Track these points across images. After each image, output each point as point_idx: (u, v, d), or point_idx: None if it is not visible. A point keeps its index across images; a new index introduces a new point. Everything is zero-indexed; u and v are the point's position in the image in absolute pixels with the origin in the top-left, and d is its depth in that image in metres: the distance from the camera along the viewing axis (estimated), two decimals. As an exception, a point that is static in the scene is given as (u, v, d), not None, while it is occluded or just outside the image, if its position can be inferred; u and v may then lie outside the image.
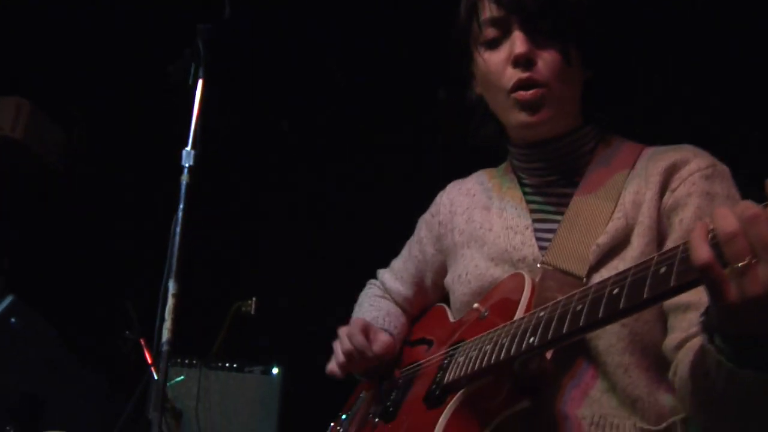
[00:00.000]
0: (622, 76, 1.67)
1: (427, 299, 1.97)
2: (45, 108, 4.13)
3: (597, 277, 1.45)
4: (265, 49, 4.06)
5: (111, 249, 4.18)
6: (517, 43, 1.55)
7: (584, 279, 1.47)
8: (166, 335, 1.98)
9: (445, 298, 1.89)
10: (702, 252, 1.00)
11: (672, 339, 1.42)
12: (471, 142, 1.82)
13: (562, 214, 1.61)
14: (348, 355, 1.74)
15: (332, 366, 1.81)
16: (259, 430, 3.71)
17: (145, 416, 2.73)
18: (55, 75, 4.11)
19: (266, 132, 4.38)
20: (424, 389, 1.56)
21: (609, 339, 1.45)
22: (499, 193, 1.77)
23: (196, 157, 2.16)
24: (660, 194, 1.51)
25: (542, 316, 1.32)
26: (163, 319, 2.00)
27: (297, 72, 4.22)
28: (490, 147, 1.82)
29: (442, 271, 1.87)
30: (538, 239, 1.61)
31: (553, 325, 1.27)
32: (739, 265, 0.99)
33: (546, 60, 1.55)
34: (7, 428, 2.06)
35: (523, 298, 1.48)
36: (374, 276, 2.18)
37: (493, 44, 1.61)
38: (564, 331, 1.24)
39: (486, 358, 1.39)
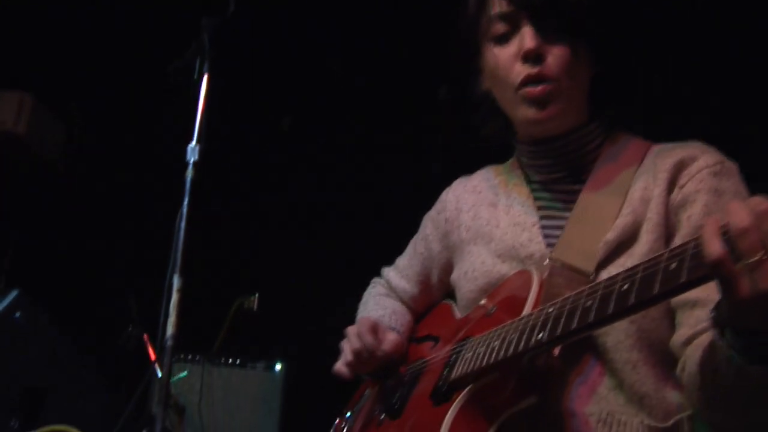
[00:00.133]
0: (630, 72, 1.67)
1: (432, 297, 1.97)
2: (47, 103, 4.12)
3: (605, 274, 1.45)
4: (268, 44, 4.05)
5: (113, 245, 4.18)
6: (527, 38, 1.55)
7: (592, 275, 1.47)
8: (170, 330, 1.97)
9: (451, 295, 1.89)
10: (714, 247, 1.00)
11: (680, 335, 1.42)
12: (477, 138, 1.81)
13: (569, 210, 1.60)
14: (357, 354, 1.73)
15: (340, 366, 1.79)
16: (261, 426, 3.71)
17: (148, 411, 2.74)
18: (57, 70, 4.11)
19: (269, 128, 4.38)
20: (431, 385, 1.56)
21: (617, 336, 1.44)
22: (506, 190, 1.76)
23: (201, 153, 2.15)
24: (668, 191, 1.51)
25: (551, 312, 1.31)
26: (167, 314, 1.99)
27: (300, 67, 4.22)
28: (492, 145, 1.82)
29: (448, 268, 1.86)
30: (545, 236, 1.61)
31: (562, 321, 1.27)
32: (752, 260, 0.99)
33: (555, 55, 1.54)
34: (12, 422, 2.06)
35: (531, 295, 1.48)
36: (378, 273, 2.18)
37: (503, 39, 1.60)
38: (573, 327, 1.24)
39: (494, 354, 1.39)
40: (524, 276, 1.55)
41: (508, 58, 1.58)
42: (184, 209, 2.08)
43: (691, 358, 1.36)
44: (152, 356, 3.38)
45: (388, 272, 2.08)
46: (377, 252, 2.26)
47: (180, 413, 3.46)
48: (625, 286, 1.16)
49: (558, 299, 1.33)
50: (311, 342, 3.83)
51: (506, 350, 1.37)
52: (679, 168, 1.52)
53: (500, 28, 1.60)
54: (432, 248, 1.92)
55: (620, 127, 1.69)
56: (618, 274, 1.21)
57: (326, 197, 4.38)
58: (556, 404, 1.44)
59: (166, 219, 2.18)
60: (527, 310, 1.45)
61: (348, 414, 1.93)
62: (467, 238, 1.77)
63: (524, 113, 1.59)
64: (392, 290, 2.04)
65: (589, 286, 1.27)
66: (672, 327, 1.46)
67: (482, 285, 1.66)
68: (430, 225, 1.95)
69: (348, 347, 1.76)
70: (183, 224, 2.06)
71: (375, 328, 1.75)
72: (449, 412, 1.41)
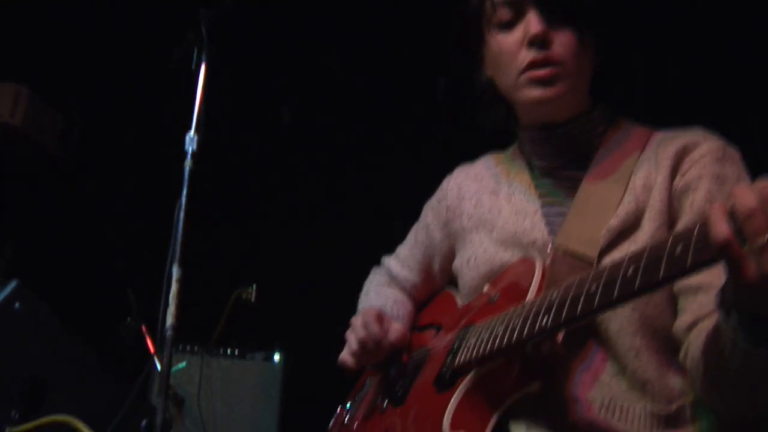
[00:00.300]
0: (633, 59, 1.67)
1: (434, 285, 1.97)
2: (43, 94, 4.10)
3: (608, 260, 1.45)
4: (267, 33, 4.04)
5: (111, 236, 4.17)
6: (533, 23, 1.55)
7: (595, 262, 1.47)
8: (170, 320, 1.97)
9: (453, 283, 1.89)
10: (721, 229, 1.00)
11: (683, 321, 1.42)
12: (477, 127, 1.81)
13: (571, 198, 1.60)
14: (362, 344, 1.72)
15: (345, 356, 1.79)
16: (261, 416, 3.71)
17: (148, 402, 2.74)
18: (53, 61, 4.09)
19: (269, 118, 4.37)
20: (434, 372, 1.56)
21: (620, 322, 1.44)
22: (508, 178, 1.76)
23: (200, 143, 2.15)
24: (671, 177, 1.51)
25: (555, 298, 1.31)
26: (167, 305, 1.99)
27: (299, 57, 4.21)
28: (491, 134, 1.82)
29: (450, 256, 1.86)
30: (547, 223, 1.61)
31: (566, 306, 1.27)
32: (759, 242, 0.99)
33: (561, 41, 1.54)
34: (12, 413, 2.05)
35: (534, 282, 1.48)
36: (377, 262, 2.18)
37: (507, 26, 1.60)
38: (578, 312, 1.24)
39: (498, 340, 1.39)
40: (527, 263, 1.55)
41: (513, 44, 1.58)
42: (183, 199, 2.07)
43: (694, 343, 1.36)
44: (151, 347, 3.39)
45: (389, 261, 2.08)
46: (376, 241, 2.26)
47: (179, 404, 3.46)
48: (630, 271, 1.16)
49: (562, 285, 1.33)
50: (310, 332, 3.83)
51: (510, 336, 1.37)
52: (681, 154, 1.52)
53: (504, 14, 1.60)
54: (433, 236, 1.91)
55: (622, 114, 1.69)
56: (622, 259, 1.20)
57: (325, 188, 4.38)
58: (559, 390, 1.44)
59: (164, 209, 2.18)
60: (530, 296, 1.46)
61: (349, 403, 1.93)
62: (469, 226, 1.77)
63: (529, 94, 1.58)
64: (393, 279, 2.04)
65: (594, 271, 1.27)
66: (674, 313, 1.46)
67: (484, 273, 1.66)
68: (431, 213, 1.95)
69: (353, 337, 1.75)
70: (182, 214, 2.06)
71: (380, 318, 1.75)
72: (453, 398, 1.41)
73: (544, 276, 1.49)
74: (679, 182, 1.50)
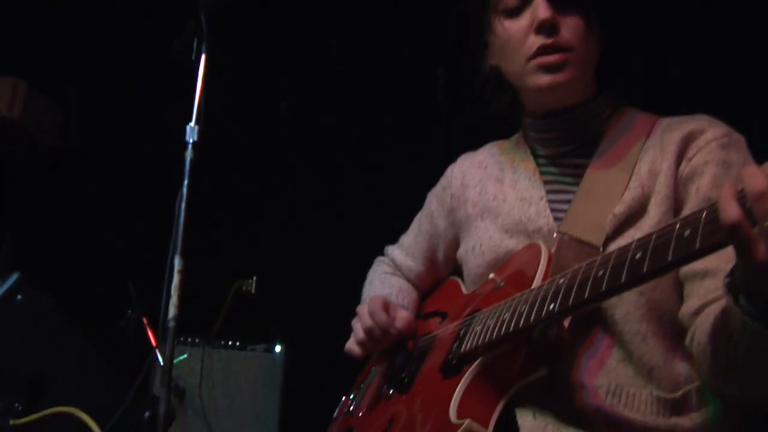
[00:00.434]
0: (639, 44, 1.66)
1: (438, 274, 1.97)
2: (41, 87, 4.08)
3: (614, 247, 1.44)
4: (267, 25, 4.03)
5: (111, 229, 4.16)
6: (541, 8, 1.54)
7: (601, 248, 1.47)
8: (172, 312, 1.97)
9: (457, 271, 1.89)
10: (731, 211, 1.00)
11: (689, 306, 1.42)
12: (480, 115, 1.81)
13: (577, 184, 1.61)
14: (369, 332, 1.72)
15: (351, 345, 1.79)
16: (262, 408, 3.71)
17: (150, 394, 2.73)
18: (50, 54, 4.07)
19: (270, 110, 4.36)
20: (440, 359, 1.56)
21: (626, 307, 1.45)
22: (512, 165, 1.76)
23: (200, 133, 2.14)
24: (676, 163, 1.51)
25: (562, 283, 1.32)
26: (169, 296, 1.98)
27: (299, 48, 4.19)
28: (491, 125, 1.82)
29: (455, 244, 1.86)
30: (552, 210, 1.61)
31: (573, 291, 1.27)
32: None
33: (569, 26, 1.54)
34: (16, 405, 2.05)
35: (539, 268, 1.48)
36: (378, 254, 2.18)
37: (514, 12, 1.60)
38: (585, 296, 1.24)
39: (505, 326, 1.39)
40: (533, 250, 1.55)
41: (520, 31, 1.58)
42: (184, 190, 2.07)
43: (701, 328, 1.36)
44: (152, 340, 3.39)
45: (393, 250, 2.08)
46: (377, 233, 2.26)
47: (180, 396, 3.47)
48: (638, 255, 1.16)
49: (569, 270, 1.33)
50: (311, 323, 3.83)
51: (517, 322, 1.37)
52: (687, 141, 1.52)
53: (511, 0, 1.59)
54: (438, 225, 1.91)
55: (627, 101, 1.69)
56: (630, 244, 1.21)
57: (326, 180, 4.37)
58: (565, 377, 1.44)
59: (163, 201, 2.17)
60: (537, 283, 1.46)
61: (354, 393, 1.93)
62: (474, 214, 1.77)
63: (538, 80, 1.58)
64: (397, 268, 2.04)
65: (601, 256, 1.27)
66: (680, 298, 1.46)
67: (490, 260, 1.66)
68: (435, 201, 1.95)
69: (359, 326, 1.75)
70: (183, 205, 2.05)
71: (386, 306, 1.75)
72: (459, 384, 1.42)
73: (550, 262, 1.49)
74: (684, 168, 1.50)
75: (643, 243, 1.17)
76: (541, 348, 1.41)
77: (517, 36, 1.59)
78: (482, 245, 1.69)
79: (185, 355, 3.65)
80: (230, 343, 3.80)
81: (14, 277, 2.19)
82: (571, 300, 1.27)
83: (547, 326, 1.39)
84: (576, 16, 1.55)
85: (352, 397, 1.93)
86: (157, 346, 3.14)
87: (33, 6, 3.94)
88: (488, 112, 1.79)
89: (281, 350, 3.83)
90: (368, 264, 2.18)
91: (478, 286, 1.70)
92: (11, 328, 2.15)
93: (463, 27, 1.75)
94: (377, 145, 4.18)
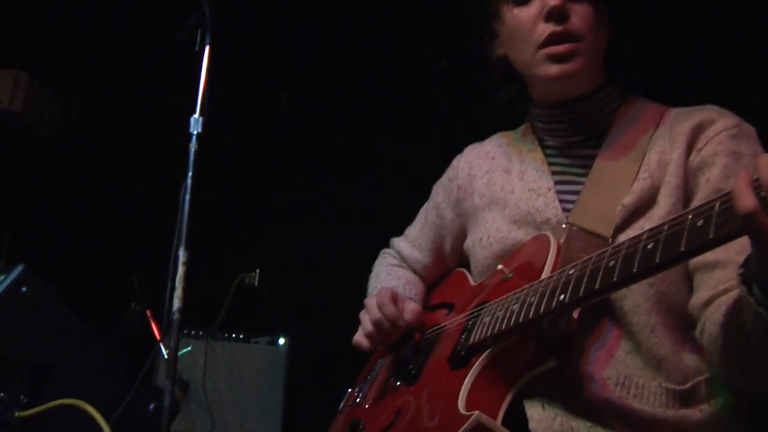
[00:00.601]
0: (648, 33, 1.66)
1: (445, 265, 1.96)
2: (42, 79, 4.07)
3: (623, 238, 1.44)
4: (268, 17, 4.02)
5: (114, 221, 4.15)
6: None
7: (610, 239, 1.47)
8: (177, 303, 1.96)
9: (463, 263, 1.89)
10: (747, 200, 1.00)
11: (699, 297, 1.42)
12: (486, 106, 1.80)
13: (585, 175, 1.60)
14: (378, 325, 1.71)
15: (359, 337, 1.78)
16: (266, 401, 3.70)
17: (154, 386, 2.73)
18: (52, 46, 4.06)
19: (273, 101, 4.34)
20: (448, 351, 1.56)
21: (635, 299, 1.44)
22: (520, 156, 1.75)
23: (204, 125, 2.14)
24: (686, 154, 1.50)
25: (572, 274, 1.31)
26: (173, 288, 1.98)
27: (303, 39, 4.18)
28: (497, 115, 1.81)
29: (462, 235, 1.85)
30: (561, 201, 1.60)
31: (584, 281, 1.27)
32: None
33: (579, 13, 1.54)
34: (21, 396, 2.05)
35: (548, 259, 1.48)
36: (381, 246, 2.17)
37: (523, 0, 1.59)
38: (596, 287, 1.24)
39: (514, 318, 1.39)
40: (541, 241, 1.55)
41: (530, 18, 1.57)
42: (188, 181, 2.06)
43: (711, 319, 1.36)
44: (156, 332, 3.38)
45: (399, 243, 2.07)
46: (381, 225, 2.25)
47: (184, 388, 3.46)
48: (650, 245, 1.16)
49: (579, 261, 1.32)
50: (315, 316, 3.83)
51: (526, 313, 1.37)
52: (696, 131, 1.52)
53: None
54: (444, 216, 1.91)
55: (635, 91, 1.69)
56: (641, 234, 1.20)
57: (330, 173, 4.36)
58: (574, 369, 1.44)
59: (166, 194, 2.16)
60: (545, 274, 1.45)
61: (360, 385, 1.92)
62: (481, 205, 1.76)
63: (547, 70, 1.57)
64: (403, 261, 2.03)
65: (611, 247, 1.27)
66: (690, 290, 1.46)
67: (497, 251, 1.65)
68: (441, 193, 1.94)
69: (367, 318, 1.74)
70: (188, 197, 2.05)
71: (395, 298, 1.73)
72: (468, 376, 1.41)
73: (559, 253, 1.49)
74: (694, 159, 1.50)
75: (654, 233, 1.17)
76: (551, 339, 1.41)
77: (526, 24, 1.58)
78: (490, 236, 1.68)
79: (189, 348, 3.65)
80: (234, 335, 3.79)
81: (19, 269, 2.19)
82: (581, 291, 1.27)
83: (557, 317, 1.38)
84: (586, 3, 1.54)
85: (357, 389, 1.93)
86: (161, 339, 3.14)
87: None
88: (495, 103, 1.78)
89: (285, 343, 3.82)
90: (372, 256, 2.18)
91: (485, 277, 1.69)
92: (16, 320, 2.15)
93: (471, 16, 1.74)
94: (381, 138, 4.17)
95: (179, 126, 2.12)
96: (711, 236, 1.06)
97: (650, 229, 1.19)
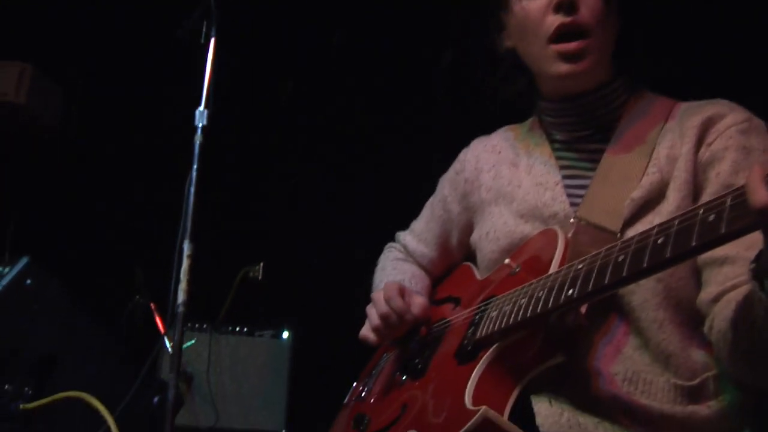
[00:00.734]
0: (657, 25, 1.64)
1: (451, 259, 1.95)
2: (47, 71, 4.07)
3: (631, 232, 1.43)
4: (274, 10, 4.01)
5: (119, 214, 4.15)
6: None
7: (618, 234, 1.45)
8: (181, 296, 1.96)
9: (469, 257, 1.88)
10: (761, 195, 0.99)
11: (708, 293, 1.41)
12: (497, 97, 1.78)
13: (593, 169, 1.59)
14: (385, 319, 1.70)
15: (366, 331, 1.77)
16: (269, 394, 3.71)
17: (158, 379, 2.73)
18: (56, 38, 4.05)
19: (277, 94, 4.34)
20: (455, 345, 1.55)
21: (643, 294, 1.43)
22: (527, 150, 1.74)
23: (209, 117, 2.13)
24: (696, 148, 1.49)
25: (580, 269, 1.30)
26: (178, 281, 1.97)
27: (307, 31, 4.17)
28: (502, 109, 1.80)
29: (468, 229, 1.84)
30: (569, 195, 1.59)
31: (593, 276, 1.26)
32: None
33: (588, 4, 1.52)
34: (26, 389, 2.04)
35: (556, 254, 1.47)
36: (385, 240, 2.16)
37: None
38: (606, 282, 1.23)
39: (522, 312, 1.38)
40: (549, 235, 1.54)
41: (539, 10, 1.56)
42: (193, 174, 2.05)
43: (720, 315, 1.35)
44: (160, 325, 3.38)
45: (404, 237, 2.06)
46: (384, 219, 2.25)
47: (188, 381, 3.47)
48: (661, 240, 1.15)
49: (587, 256, 1.31)
50: (319, 310, 3.82)
51: (534, 308, 1.36)
52: (706, 125, 1.50)
53: None
54: (451, 210, 1.89)
55: (644, 85, 1.67)
56: (651, 229, 1.19)
57: (334, 166, 4.36)
58: (581, 363, 1.43)
59: (170, 187, 2.16)
60: (553, 268, 1.44)
61: (366, 379, 1.92)
62: (488, 199, 1.75)
63: (557, 68, 1.56)
64: (409, 254, 2.02)
65: (621, 241, 1.26)
66: (698, 286, 1.45)
67: (504, 245, 1.64)
68: (447, 186, 1.93)
69: (374, 312, 1.72)
70: (192, 190, 2.04)
71: (402, 292, 1.72)
72: (475, 370, 1.40)
73: (567, 248, 1.48)
74: (704, 153, 1.48)
75: (665, 228, 1.16)
76: (558, 334, 1.40)
77: (535, 15, 1.56)
78: (496, 231, 1.67)
79: (193, 341, 3.65)
80: (238, 329, 3.80)
81: (23, 261, 2.18)
82: (590, 285, 1.26)
83: (565, 312, 1.37)
84: None
85: (362, 383, 1.92)
86: (166, 332, 3.14)
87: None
88: (502, 96, 1.77)
89: (289, 336, 3.83)
90: (377, 250, 2.17)
91: (492, 271, 1.68)
92: (21, 312, 2.14)
93: (478, 8, 1.73)
94: (386, 131, 4.16)
95: (184, 118, 2.12)
96: (723, 231, 1.05)
97: (660, 224, 1.18)
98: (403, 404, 1.60)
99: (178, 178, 2.04)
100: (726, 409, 1.42)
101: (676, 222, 1.14)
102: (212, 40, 2.17)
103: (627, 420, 1.39)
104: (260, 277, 3.88)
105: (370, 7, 4.01)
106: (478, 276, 1.77)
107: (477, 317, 1.55)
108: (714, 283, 1.40)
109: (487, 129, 1.94)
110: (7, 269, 2.19)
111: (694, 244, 1.09)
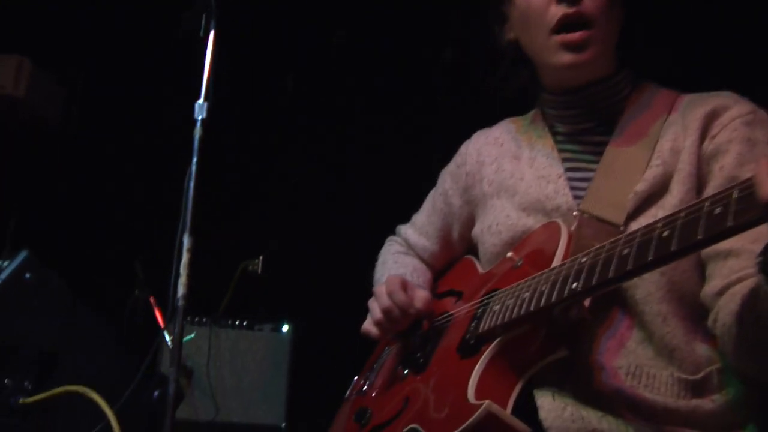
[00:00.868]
0: (661, 18, 1.63)
1: (452, 253, 1.94)
2: (46, 65, 4.06)
3: (634, 225, 1.42)
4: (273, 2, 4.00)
5: (118, 208, 4.15)
6: None
7: (622, 227, 1.44)
8: (181, 290, 1.95)
9: (471, 250, 1.87)
10: None
11: (712, 286, 1.40)
12: (498, 91, 1.77)
13: (596, 162, 1.58)
14: (387, 313, 1.68)
15: (368, 325, 1.75)
16: (269, 387, 3.71)
17: (158, 373, 2.73)
18: (55, 31, 4.04)
19: (278, 87, 4.33)
20: (457, 339, 1.54)
21: (647, 288, 1.42)
22: (529, 142, 1.73)
23: (209, 110, 2.12)
24: (700, 141, 1.48)
25: (584, 262, 1.29)
26: (178, 275, 1.96)
27: (308, 24, 4.16)
28: (504, 101, 1.78)
29: (470, 222, 1.83)
30: (572, 188, 1.58)
31: (597, 270, 1.25)
32: None
33: None
34: (26, 383, 2.04)
35: (559, 247, 1.46)
36: (385, 233, 2.15)
37: None
38: (610, 275, 1.22)
39: (525, 306, 1.37)
40: (552, 228, 1.53)
41: (542, 0, 1.54)
42: (193, 167, 2.04)
43: (725, 308, 1.34)
44: (160, 319, 3.38)
45: (405, 230, 2.05)
46: (384, 212, 2.24)
47: (188, 376, 3.46)
48: (666, 233, 1.14)
49: (591, 249, 1.31)
50: (318, 303, 3.82)
51: (538, 301, 1.35)
52: (710, 118, 1.49)
53: None
54: (452, 203, 1.88)
55: (647, 77, 1.66)
56: (656, 222, 1.18)
57: (334, 158, 4.35)
58: (585, 358, 1.42)
59: (169, 182, 2.15)
60: (556, 262, 1.43)
61: (367, 373, 1.91)
62: (490, 192, 1.74)
63: (560, 59, 1.55)
64: (410, 248, 2.01)
65: (625, 234, 1.25)
66: (702, 279, 1.44)
67: (507, 239, 1.63)
68: (449, 179, 1.92)
69: (377, 306, 1.71)
70: (192, 183, 2.03)
71: (405, 286, 1.71)
72: (478, 364, 1.39)
73: (571, 241, 1.47)
74: (708, 146, 1.47)
75: (670, 221, 1.15)
76: (562, 328, 1.39)
77: (538, 6, 1.55)
78: (499, 224, 1.66)
79: (193, 335, 3.65)
80: (237, 322, 3.80)
81: (22, 255, 2.17)
82: (595, 279, 1.25)
83: (568, 306, 1.37)
84: None
85: (364, 377, 1.91)
86: (165, 326, 3.13)
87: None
88: (504, 89, 1.76)
89: (289, 330, 3.82)
90: (377, 243, 2.16)
91: (494, 265, 1.67)
92: (20, 306, 2.13)
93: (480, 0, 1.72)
94: (386, 123, 4.15)
95: (184, 116, 2.11)
96: (730, 224, 1.04)
97: (665, 217, 1.17)
98: (406, 398, 1.59)
99: (177, 173, 2.03)
100: (730, 403, 1.41)
101: (682, 215, 1.13)
102: (212, 33, 2.16)
103: (630, 414, 1.38)
104: (259, 271, 3.87)
105: (370, 6, 4.00)
106: (480, 269, 1.75)
107: (479, 311, 1.54)
108: (718, 276, 1.39)
109: (488, 125, 1.93)
110: (6, 263, 2.18)
111: (700, 237, 1.08)
